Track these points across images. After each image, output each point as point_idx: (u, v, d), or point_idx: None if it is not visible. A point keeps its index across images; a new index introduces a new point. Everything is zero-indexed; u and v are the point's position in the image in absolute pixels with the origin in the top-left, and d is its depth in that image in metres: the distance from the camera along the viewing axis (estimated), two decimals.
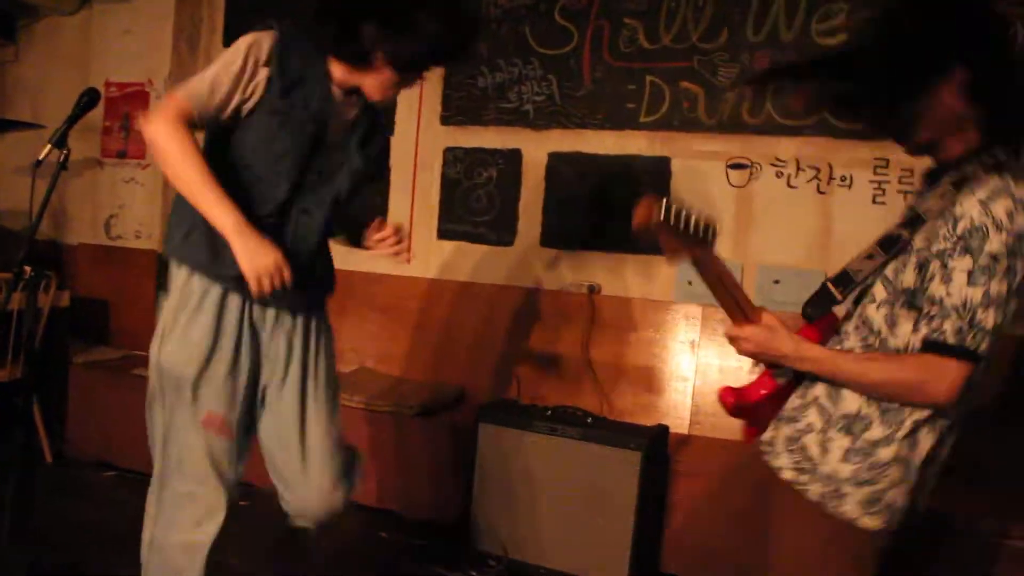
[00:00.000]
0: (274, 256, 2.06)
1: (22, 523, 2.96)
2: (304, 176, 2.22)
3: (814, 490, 1.79)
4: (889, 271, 1.76)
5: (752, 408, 1.96)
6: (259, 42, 2.16)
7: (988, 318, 1.60)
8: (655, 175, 4.08)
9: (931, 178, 1.81)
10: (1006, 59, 1.69)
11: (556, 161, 4.27)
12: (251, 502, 3.93)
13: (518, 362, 4.17)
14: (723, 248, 3.93)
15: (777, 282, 3.86)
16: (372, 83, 2.21)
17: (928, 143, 1.76)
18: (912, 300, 1.70)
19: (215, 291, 2.24)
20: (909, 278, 1.70)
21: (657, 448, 3.38)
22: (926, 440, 1.74)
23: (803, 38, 3.81)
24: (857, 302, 1.87)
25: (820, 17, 3.79)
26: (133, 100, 5.02)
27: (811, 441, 1.82)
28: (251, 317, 2.29)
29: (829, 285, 1.86)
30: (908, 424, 1.72)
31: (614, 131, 4.16)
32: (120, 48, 5.06)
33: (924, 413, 1.71)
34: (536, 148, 4.31)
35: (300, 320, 2.38)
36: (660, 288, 4.07)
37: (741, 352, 1.87)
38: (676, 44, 4.05)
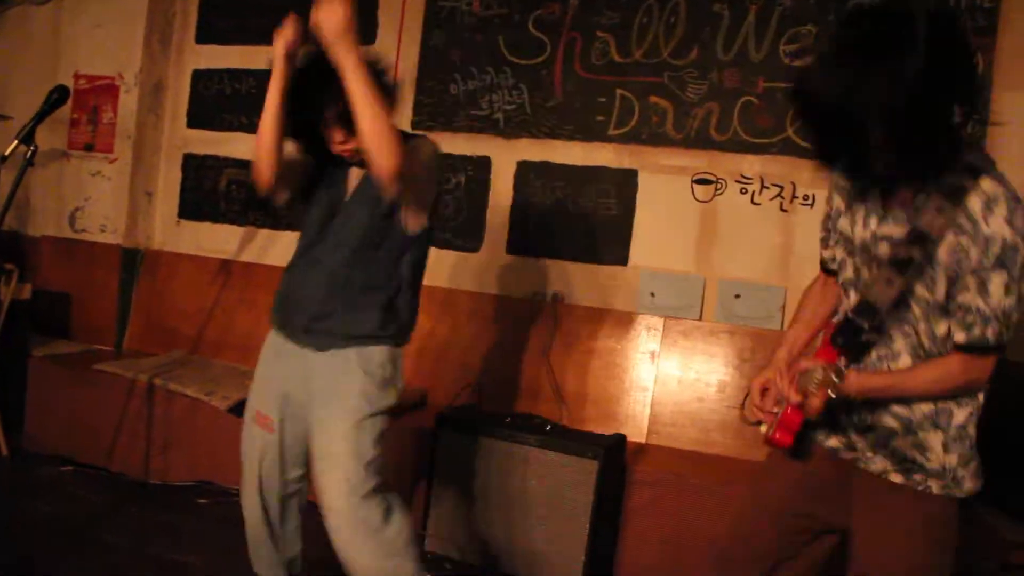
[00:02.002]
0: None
1: None
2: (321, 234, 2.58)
3: (936, 486, 1.91)
4: (919, 289, 1.84)
5: (801, 433, 2.02)
6: None
7: (1016, 315, 1.80)
8: (622, 187, 4.13)
9: (859, 193, 1.94)
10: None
11: (525, 170, 4.31)
12: (210, 500, 3.95)
13: (480, 368, 4.19)
14: (686, 262, 4.01)
15: (738, 296, 3.92)
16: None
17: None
18: (945, 308, 1.83)
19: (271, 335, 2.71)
20: (941, 292, 1.82)
21: (614, 457, 3.41)
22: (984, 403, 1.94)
23: (772, 58, 3.89)
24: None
25: (788, 39, 3.86)
26: (102, 93, 5.00)
27: (902, 444, 1.93)
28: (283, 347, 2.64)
29: (853, 316, 1.91)
30: (981, 398, 1.92)
31: (583, 142, 4.21)
32: (90, 40, 5.04)
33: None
34: (505, 156, 4.34)
35: (313, 357, 2.57)
36: (623, 299, 4.12)
37: (811, 411, 1.90)
38: (647, 59, 4.11)
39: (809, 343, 2.15)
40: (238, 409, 4.01)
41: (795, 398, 1.91)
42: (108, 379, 4.24)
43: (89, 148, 5.03)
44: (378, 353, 2.55)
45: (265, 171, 2.49)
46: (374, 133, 2.21)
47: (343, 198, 2.56)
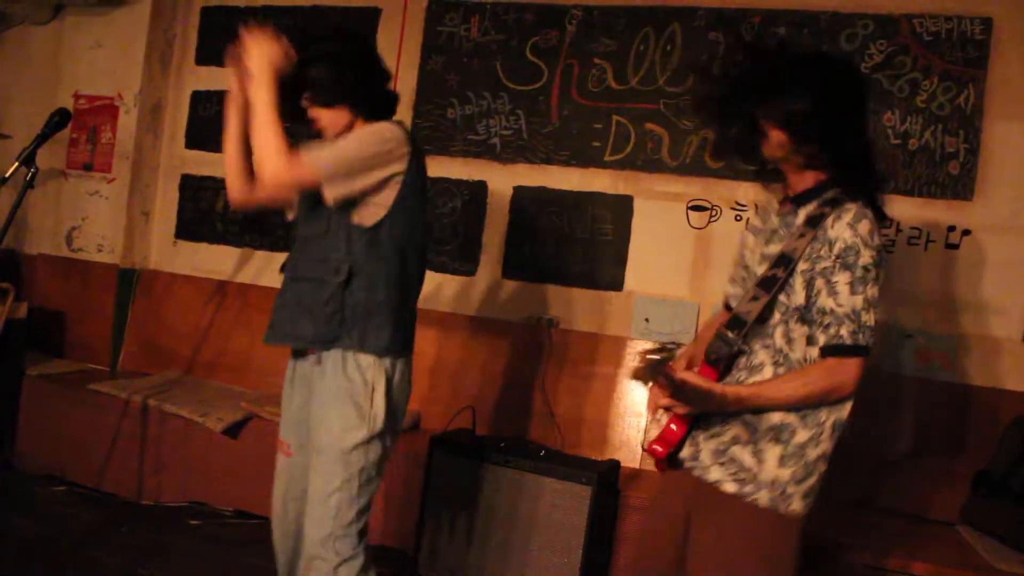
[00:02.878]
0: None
1: None
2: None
3: (763, 497, 2.00)
4: (781, 298, 2.03)
5: (677, 447, 2.11)
6: None
7: (871, 318, 1.95)
8: (618, 213, 4.16)
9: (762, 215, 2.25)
10: (848, 111, 2.03)
11: (521, 194, 4.33)
12: (203, 521, 3.94)
13: (474, 391, 4.19)
14: (681, 288, 4.03)
15: None
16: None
17: (770, 170, 2.18)
18: (804, 315, 2.00)
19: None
20: (799, 297, 2.00)
21: (608, 482, 3.42)
22: (838, 432, 2.03)
23: None
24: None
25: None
26: (101, 113, 5.02)
27: (741, 452, 2.03)
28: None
29: (724, 330, 2.05)
30: (828, 424, 2.00)
31: (579, 168, 4.24)
32: (90, 60, 5.06)
33: (838, 411, 2.00)
34: (501, 181, 4.37)
35: (305, 367, 2.55)
36: (617, 324, 4.14)
37: (684, 412, 2.04)
38: (643, 86, 4.14)
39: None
40: (232, 431, 4.01)
41: (664, 402, 2.01)
42: (102, 399, 4.24)
43: (87, 168, 5.04)
44: (352, 360, 2.42)
45: (238, 184, 2.54)
46: (258, 149, 2.31)
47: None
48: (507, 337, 4.27)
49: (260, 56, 2.31)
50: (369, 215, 2.39)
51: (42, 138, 2.55)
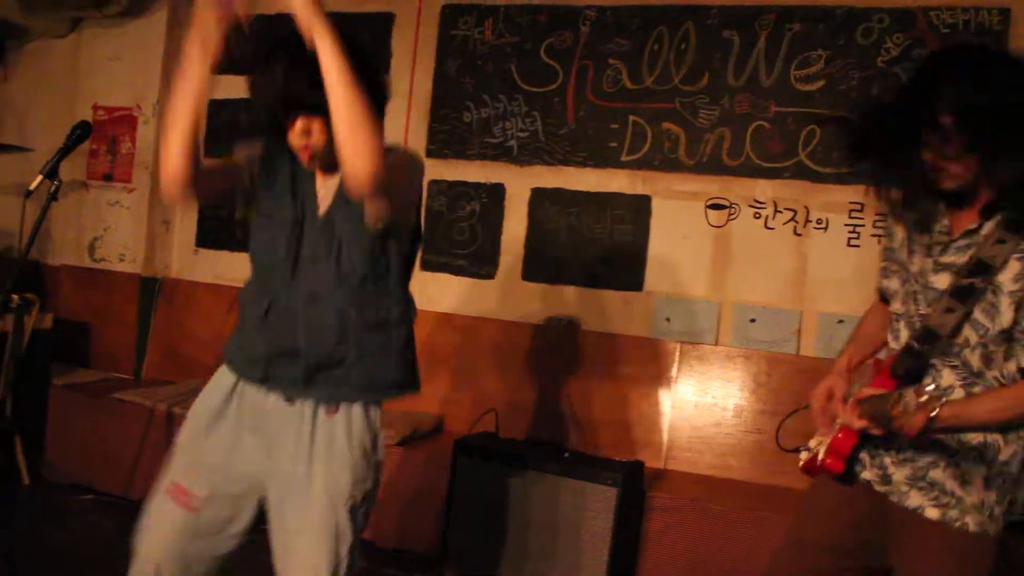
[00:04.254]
0: None
1: None
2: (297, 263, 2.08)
3: (973, 521, 1.86)
4: (979, 316, 1.85)
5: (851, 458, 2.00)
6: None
7: None
8: (636, 213, 4.15)
9: (921, 224, 1.96)
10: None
11: (539, 196, 4.34)
12: None
13: (497, 394, 4.20)
14: (701, 287, 4.02)
15: (753, 320, 3.93)
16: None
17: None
18: (1010, 335, 1.83)
19: (226, 386, 2.17)
20: (1005, 318, 1.82)
21: (633, 483, 3.41)
22: None
23: (782, 83, 3.91)
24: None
25: (799, 64, 3.89)
26: (121, 124, 5.06)
27: (943, 476, 1.89)
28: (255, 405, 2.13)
29: (914, 343, 1.91)
30: None
31: (596, 168, 4.24)
32: (109, 72, 5.10)
33: None
34: (519, 183, 4.38)
35: (312, 416, 2.08)
36: (638, 324, 4.14)
37: (880, 432, 1.87)
38: (658, 85, 4.14)
39: (863, 362, 2.13)
40: None
41: (858, 423, 1.83)
42: (127, 408, 4.27)
43: (108, 178, 5.09)
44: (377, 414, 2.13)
45: (179, 168, 1.95)
46: (351, 124, 1.78)
47: (316, 212, 2.08)
48: (527, 339, 4.28)
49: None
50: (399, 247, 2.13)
51: (64, 151, 2.56)
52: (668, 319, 4.07)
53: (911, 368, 1.90)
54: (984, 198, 1.86)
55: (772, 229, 3.95)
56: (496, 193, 4.42)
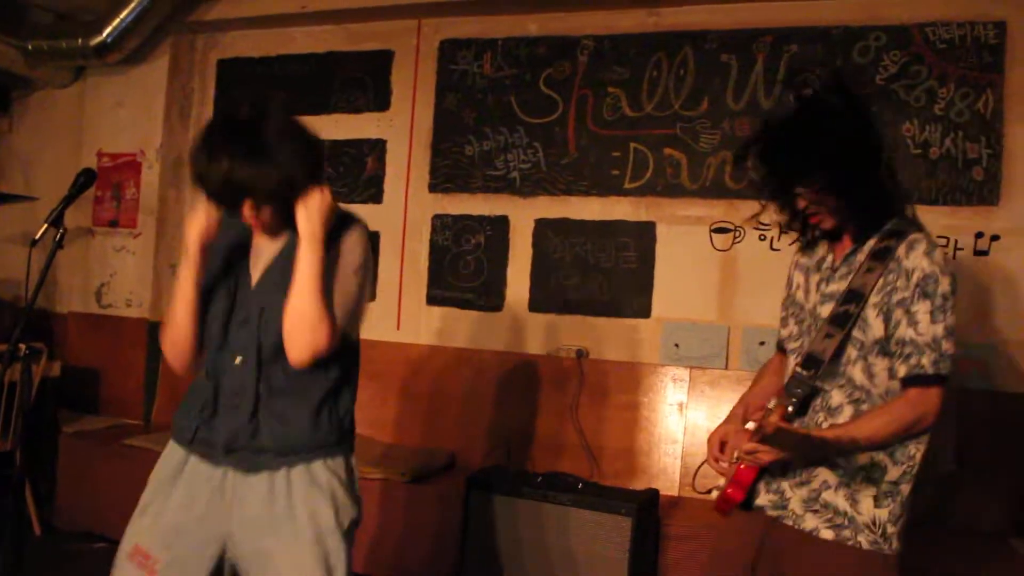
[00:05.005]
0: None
1: None
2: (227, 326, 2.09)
3: (865, 540, 1.95)
4: (856, 334, 1.99)
5: (751, 489, 2.08)
6: None
7: (951, 346, 1.93)
8: (641, 240, 4.15)
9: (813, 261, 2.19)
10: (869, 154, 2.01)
11: (543, 227, 4.34)
12: None
13: (508, 427, 4.18)
14: (709, 311, 4.01)
15: (763, 343, 3.91)
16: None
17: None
18: (884, 347, 1.97)
19: (180, 452, 2.13)
20: (876, 330, 1.97)
21: (648, 512, 3.38)
22: (922, 462, 2.00)
23: (782, 104, 3.91)
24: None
25: (797, 85, 3.89)
26: (125, 170, 5.09)
27: (834, 497, 1.99)
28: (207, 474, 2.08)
29: (799, 370, 2.03)
30: (918, 457, 1.98)
31: (599, 197, 4.24)
32: (113, 119, 5.15)
33: (923, 443, 1.98)
34: (523, 214, 4.38)
35: (257, 483, 2.03)
36: (647, 351, 4.12)
37: (763, 463, 2.01)
38: (659, 112, 4.15)
39: (762, 408, 2.19)
40: None
41: (747, 447, 1.98)
42: (138, 453, 4.24)
43: (113, 224, 5.11)
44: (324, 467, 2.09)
45: (187, 358, 2.07)
46: (301, 323, 1.92)
47: (248, 280, 2.08)
48: (537, 370, 4.26)
49: (323, 214, 1.95)
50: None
51: (69, 199, 2.56)
52: (677, 345, 4.05)
53: (800, 393, 2.02)
54: (853, 228, 2.05)
55: (778, 251, 3.93)
56: (500, 225, 4.42)
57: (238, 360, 2.04)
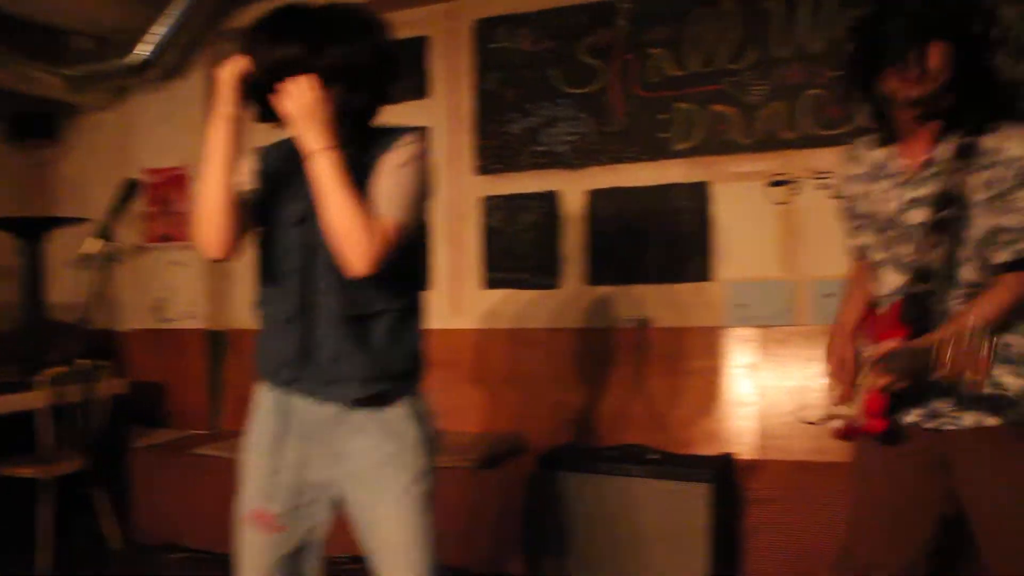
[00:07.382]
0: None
1: None
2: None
3: (1013, 416, 1.96)
4: (962, 235, 1.97)
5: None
6: None
7: None
8: (695, 201, 4.03)
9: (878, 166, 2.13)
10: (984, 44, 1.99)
11: (595, 198, 4.23)
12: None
13: (575, 404, 4.10)
14: (772, 267, 3.87)
15: (831, 295, 3.75)
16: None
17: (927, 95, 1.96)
18: (993, 239, 1.95)
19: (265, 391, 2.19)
20: (982, 226, 1.95)
21: (725, 477, 3.28)
22: None
23: (832, 46, 3.76)
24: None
25: (849, 21, 3.73)
26: (173, 184, 5.11)
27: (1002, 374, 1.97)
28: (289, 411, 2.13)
29: (915, 285, 2.00)
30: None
31: (650, 162, 4.12)
32: (157, 135, 5.18)
33: None
34: (574, 188, 4.28)
35: (336, 419, 2.09)
36: (711, 314, 3.99)
37: (906, 384, 1.97)
38: (704, 68, 4.02)
39: (860, 323, 2.21)
40: None
41: (882, 381, 1.95)
42: (209, 462, 4.25)
43: (166, 239, 5.13)
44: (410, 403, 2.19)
45: (219, 238, 2.00)
46: (341, 230, 1.86)
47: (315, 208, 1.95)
48: (600, 344, 4.16)
49: (307, 104, 1.91)
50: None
51: (116, 210, 2.55)
52: (741, 305, 3.91)
53: (919, 311, 1.99)
54: (934, 126, 1.99)
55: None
56: (552, 201, 4.33)
57: (321, 286, 2.01)
